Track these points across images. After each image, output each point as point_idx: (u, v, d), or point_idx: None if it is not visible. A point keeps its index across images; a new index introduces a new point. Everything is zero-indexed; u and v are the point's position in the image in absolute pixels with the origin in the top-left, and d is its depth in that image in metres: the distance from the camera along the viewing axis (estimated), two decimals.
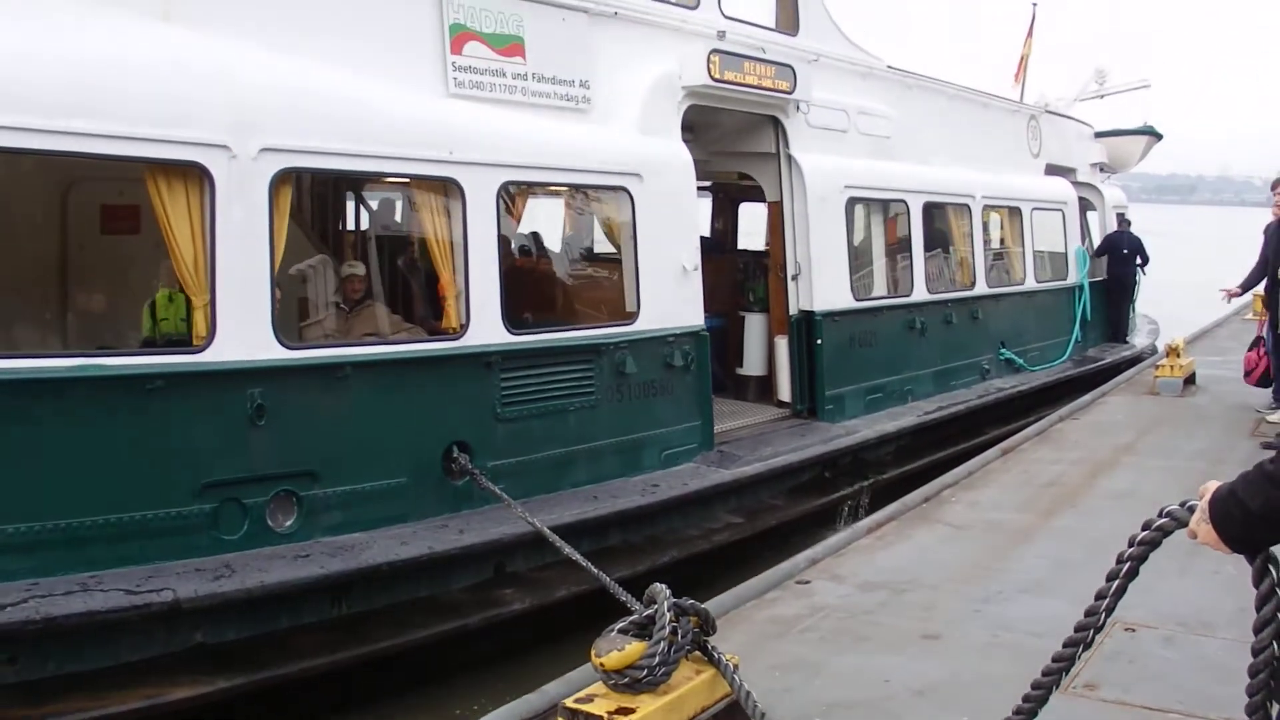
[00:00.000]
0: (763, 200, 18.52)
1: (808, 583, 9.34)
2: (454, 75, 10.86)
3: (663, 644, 5.85)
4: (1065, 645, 4.45)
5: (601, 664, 5.83)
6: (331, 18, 10.04)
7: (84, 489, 8.07)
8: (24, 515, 7.79)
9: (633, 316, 12.21)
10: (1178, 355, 19.31)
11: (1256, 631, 3.85)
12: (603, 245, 16.58)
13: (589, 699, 5.87)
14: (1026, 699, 4.58)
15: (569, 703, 5.88)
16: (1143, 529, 4.20)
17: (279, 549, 8.87)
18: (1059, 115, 25.15)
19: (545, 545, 9.62)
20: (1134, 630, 8.05)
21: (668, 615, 5.95)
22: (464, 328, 10.38)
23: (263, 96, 9.14)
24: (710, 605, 6.90)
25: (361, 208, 15.15)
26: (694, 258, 12.84)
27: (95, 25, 8.49)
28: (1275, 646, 3.84)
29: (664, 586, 6.19)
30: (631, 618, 6.07)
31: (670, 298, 12.55)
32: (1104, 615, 4.35)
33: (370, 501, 9.52)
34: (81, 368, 8.14)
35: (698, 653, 6.21)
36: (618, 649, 5.84)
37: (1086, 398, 18.62)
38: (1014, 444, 14.98)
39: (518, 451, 10.68)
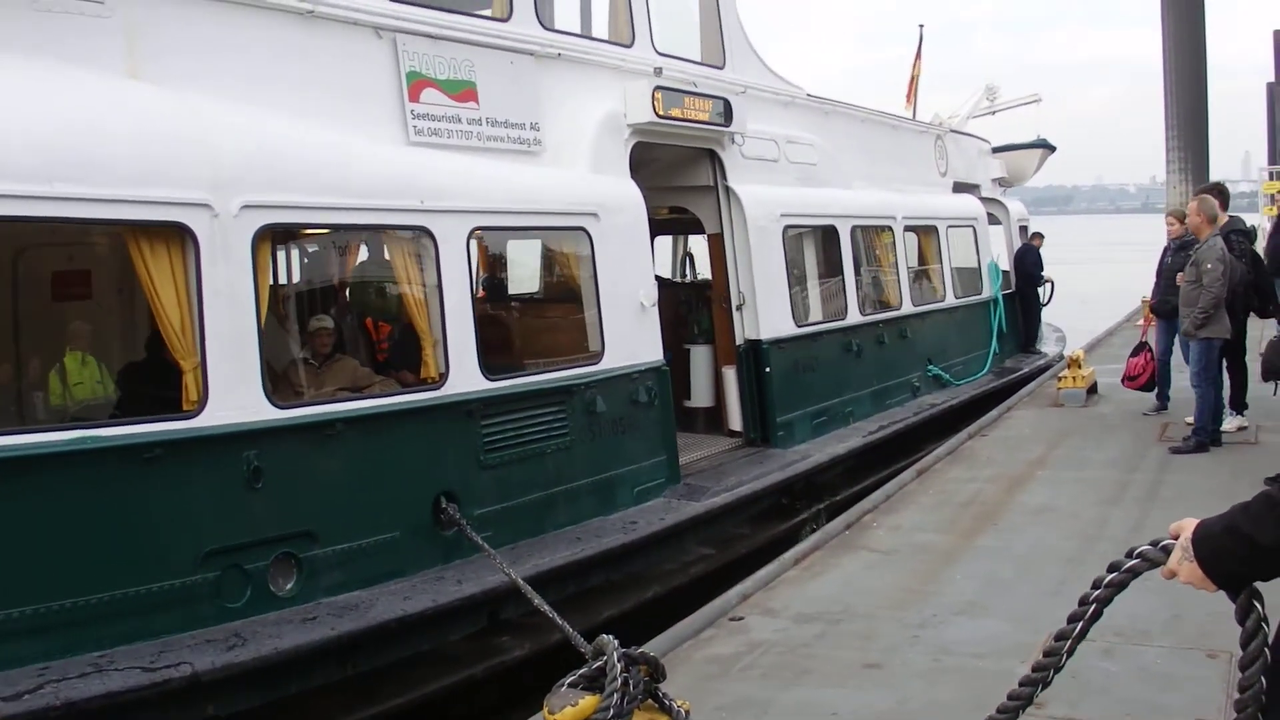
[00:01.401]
0: (677, 233, 18.47)
1: (741, 619, 9.15)
2: (413, 123, 10.59)
3: (615, 696, 5.56)
4: (1022, 684, 4.26)
5: None
6: (289, 69, 9.71)
7: (86, 565, 7.64)
8: (27, 597, 7.34)
9: (597, 356, 11.97)
10: (1079, 366, 19.31)
11: (1244, 669, 3.61)
12: (519, 286, 16.33)
13: None
14: None
15: None
16: (1109, 570, 3.92)
17: (283, 613, 8.50)
18: (961, 134, 25.32)
19: (537, 590, 9.37)
20: None
21: (618, 666, 5.65)
22: (444, 377, 10.08)
23: (239, 152, 8.79)
24: (647, 648, 6.69)
25: (329, 260, 14.73)
26: (651, 294, 12.68)
27: (62, 85, 8.08)
28: (1262, 681, 3.60)
29: (611, 638, 5.88)
30: (581, 671, 5.77)
31: (631, 335, 12.35)
32: (1065, 657, 4.12)
33: (367, 558, 9.17)
34: (79, 440, 7.71)
35: (649, 701, 5.89)
36: (571, 704, 5.56)
37: (993, 413, 18.56)
38: (928, 464, 14.88)
39: (502, 498, 10.39)
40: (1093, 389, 19.28)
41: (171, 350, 8.39)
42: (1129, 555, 3.83)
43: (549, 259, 15.61)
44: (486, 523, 10.08)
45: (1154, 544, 3.75)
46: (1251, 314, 15.37)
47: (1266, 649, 3.56)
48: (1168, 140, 37.96)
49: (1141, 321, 18.85)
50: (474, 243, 10.87)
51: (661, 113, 13.21)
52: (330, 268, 13.71)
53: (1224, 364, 14.83)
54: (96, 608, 7.62)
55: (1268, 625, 3.56)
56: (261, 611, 8.42)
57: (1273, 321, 17.46)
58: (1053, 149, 29.32)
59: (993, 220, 25.60)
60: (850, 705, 7.32)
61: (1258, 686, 3.58)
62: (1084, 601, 4.00)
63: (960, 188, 24.22)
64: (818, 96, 18.46)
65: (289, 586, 8.67)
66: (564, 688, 5.67)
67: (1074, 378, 19.04)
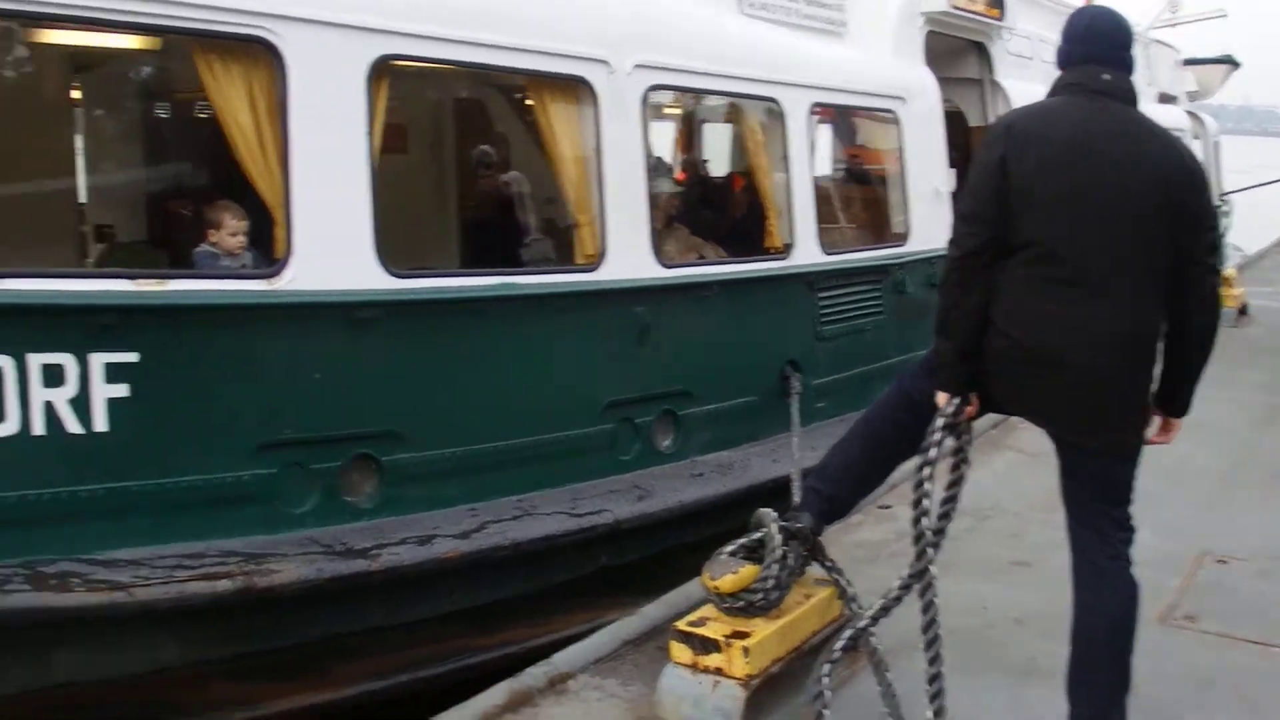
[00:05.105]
0: None
1: (889, 507, 8.74)
2: None
3: (775, 568, 5.48)
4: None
5: (716, 587, 5.47)
6: None
7: (505, 410, 7.46)
8: (456, 439, 7.16)
9: (903, 238, 11.57)
10: (1230, 285, 17.88)
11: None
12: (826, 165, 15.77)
13: (701, 622, 5.52)
14: None
15: (682, 625, 5.52)
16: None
17: (668, 468, 8.33)
18: (1163, 44, 24.36)
19: None
20: (1226, 562, 7.61)
21: (778, 538, 5.56)
22: (788, 248, 9.75)
23: (629, 11, 8.56)
24: None
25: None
26: (949, 181, 12.19)
27: None
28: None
29: (770, 510, 5.78)
30: (740, 541, 5.67)
31: (929, 219, 11.89)
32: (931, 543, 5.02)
33: (731, 420, 8.96)
34: (501, 286, 7.47)
35: (806, 576, 5.89)
36: (731, 572, 5.47)
37: None
38: None
39: (834, 370, 10.12)
40: (1243, 309, 18.27)
41: (568, 204, 8.12)
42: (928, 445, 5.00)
43: (858, 140, 15.18)
44: (822, 393, 9.88)
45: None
46: None
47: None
48: None
49: None
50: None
51: (954, 3, 12.68)
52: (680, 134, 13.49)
53: None
54: (513, 452, 7.43)
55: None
56: (646, 465, 8.22)
57: None
58: (1238, 65, 28.15)
59: (1194, 135, 24.57)
60: (1000, 600, 7.04)
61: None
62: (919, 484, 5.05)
63: (1163, 99, 23.31)
64: None
65: (667, 443, 8.46)
66: (724, 556, 5.58)
67: (1225, 296, 18.00)
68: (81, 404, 5.92)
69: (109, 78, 10.17)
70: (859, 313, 10.54)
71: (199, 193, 9.57)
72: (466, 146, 11.60)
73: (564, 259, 8.35)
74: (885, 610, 5.47)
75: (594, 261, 8.03)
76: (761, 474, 8.51)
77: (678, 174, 13.41)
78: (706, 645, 5.37)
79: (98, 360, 5.95)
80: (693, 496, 7.95)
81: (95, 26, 6.48)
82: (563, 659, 6.16)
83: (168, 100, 10.41)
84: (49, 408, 5.84)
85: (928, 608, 4.98)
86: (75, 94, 10.02)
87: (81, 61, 9.66)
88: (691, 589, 6.74)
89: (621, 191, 8.14)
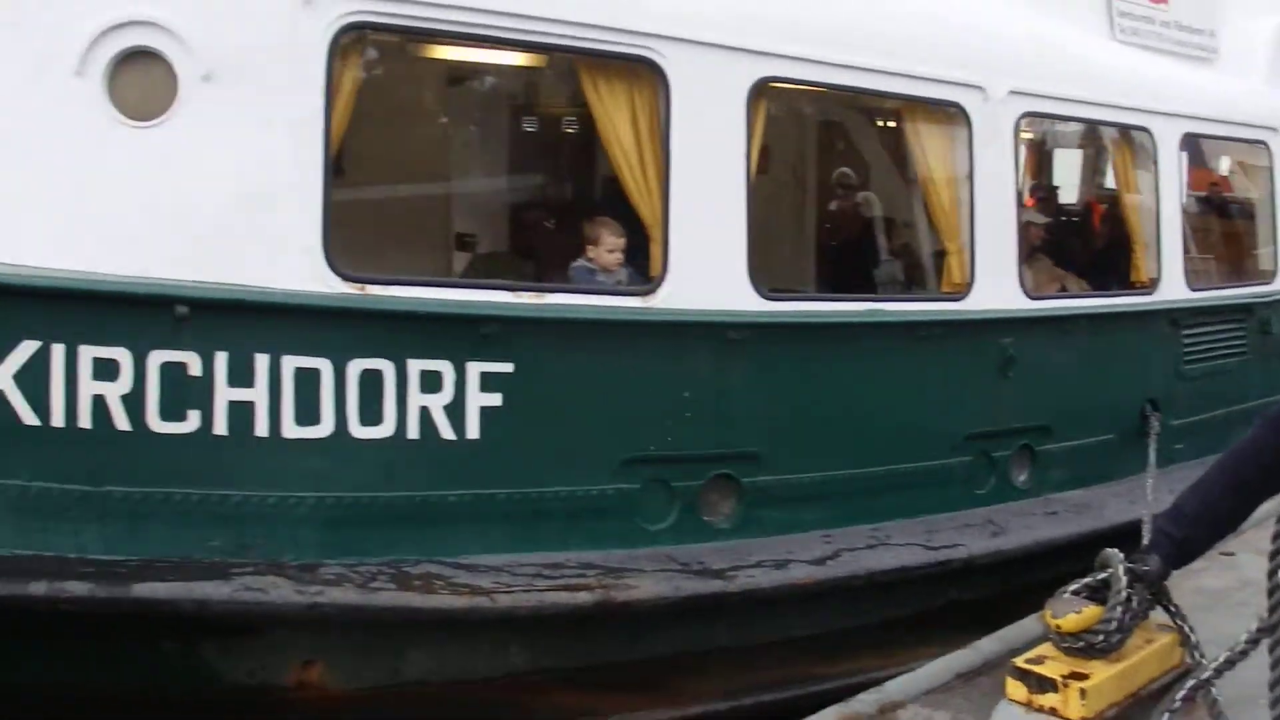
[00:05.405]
0: None
1: (1232, 554, 8.02)
2: (1119, 21, 9.81)
3: (1119, 610, 5.20)
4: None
5: (1058, 625, 5.25)
6: None
7: (867, 438, 7.35)
8: (813, 465, 7.07)
9: (1270, 275, 10.99)
10: None
11: None
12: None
13: (1039, 660, 5.31)
14: None
15: (1019, 662, 5.32)
16: None
17: (1022, 505, 8.08)
18: None
19: None
20: None
21: (1123, 580, 5.25)
22: (1154, 282, 9.36)
23: (1004, 37, 8.38)
24: None
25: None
26: None
27: None
28: None
29: (1117, 551, 5.42)
30: (1084, 580, 5.40)
31: None
32: None
33: (1087, 458, 8.64)
34: (870, 313, 7.41)
35: (1149, 620, 5.55)
36: (1074, 611, 5.24)
37: None
38: None
39: (1195, 410, 9.66)
40: None
41: (937, 230, 7.97)
42: None
43: (1219, 169, 14.60)
44: (1181, 434, 9.41)
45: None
46: None
47: None
48: None
49: None
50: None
51: None
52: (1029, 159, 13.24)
53: None
54: (870, 480, 7.32)
55: None
56: (1001, 500, 8.01)
57: None
58: None
59: None
60: None
61: None
62: None
63: None
64: None
65: (1023, 478, 8.22)
66: (1067, 594, 5.40)
67: None
68: (456, 411, 6.05)
69: (478, 91, 10.42)
70: (1222, 352, 10.05)
71: (563, 206, 9.74)
72: (826, 167, 11.50)
73: (920, 284, 8.20)
74: (1230, 663, 5.09)
75: (961, 291, 7.85)
76: (1117, 516, 8.13)
77: (1026, 200, 13.03)
78: (1043, 684, 5.20)
79: (474, 369, 6.07)
80: (1047, 535, 7.69)
81: (488, 44, 6.64)
82: (894, 687, 6.01)
83: (533, 114, 10.61)
84: (424, 413, 5.99)
85: (1276, 664, 4.63)
86: (447, 106, 10.29)
87: (454, 75, 9.90)
88: (1027, 625, 6.52)
89: (992, 220, 7.94)
